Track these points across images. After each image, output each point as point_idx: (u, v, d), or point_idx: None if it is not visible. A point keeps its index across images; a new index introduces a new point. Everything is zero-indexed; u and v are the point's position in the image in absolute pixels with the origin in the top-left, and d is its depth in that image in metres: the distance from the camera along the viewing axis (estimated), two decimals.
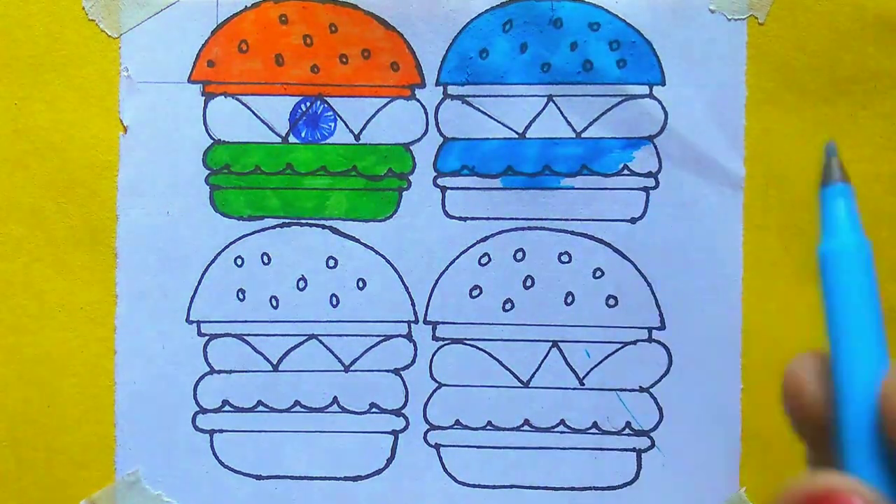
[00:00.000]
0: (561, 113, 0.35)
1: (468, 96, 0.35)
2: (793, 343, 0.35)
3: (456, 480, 0.35)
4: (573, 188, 0.35)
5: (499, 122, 0.35)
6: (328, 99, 0.35)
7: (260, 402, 0.35)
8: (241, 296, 0.35)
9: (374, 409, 0.35)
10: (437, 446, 0.35)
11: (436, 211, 0.35)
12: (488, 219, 0.35)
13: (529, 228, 0.35)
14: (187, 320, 0.35)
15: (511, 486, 0.35)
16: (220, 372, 0.35)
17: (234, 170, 0.35)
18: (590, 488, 0.35)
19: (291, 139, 0.35)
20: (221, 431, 0.35)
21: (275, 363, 0.35)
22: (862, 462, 0.19)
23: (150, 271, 0.35)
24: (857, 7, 0.34)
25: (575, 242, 0.35)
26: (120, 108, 0.35)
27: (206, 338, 0.35)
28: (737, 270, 0.35)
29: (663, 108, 0.35)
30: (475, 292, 0.35)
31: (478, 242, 0.35)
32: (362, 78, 0.35)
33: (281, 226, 0.35)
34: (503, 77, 0.35)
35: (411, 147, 0.35)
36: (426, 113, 0.35)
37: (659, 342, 0.35)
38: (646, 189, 0.35)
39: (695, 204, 0.35)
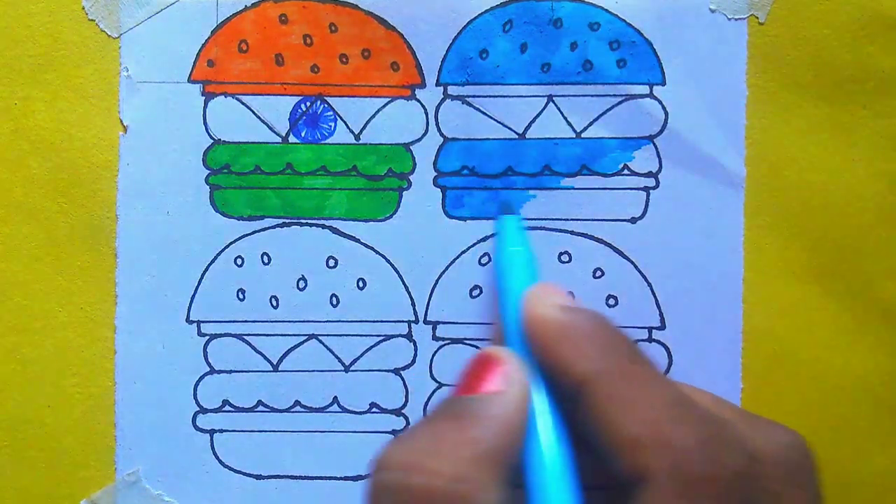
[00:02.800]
0: (561, 113, 0.35)
1: (468, 96, 0.35)
2: (793, 343, 0.35)
3: None
4: (573, 188, 0.35)
5: (499, 122, 0.35)
6: (328, 99, 0.35)
7: (260, 402, 0.35)
8: (241, 296, 0.35)
9: (374, 409, 0.35)
10: None
11: (436, 211, 0.35)
12: (488, 219, 0.35)
13: (529, 228, 0.35)
14: (187, 320, 0.35)
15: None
16: (220, 372, 0.35)
17: (234, 170, 0.35)
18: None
19: (291, 139, 0.35)
20: (221, 431, 0.35)
21: (275, 363, 0.35)
22: (512, 342, 0.29)
23: (150, 271, 0.35)
24: (857, 7, 0.34)
25: (575, 242, 0.35)
26: (120, 108, 0.35)
27: (206, 338, 0.35)
28: (737, 270, 0.35)
29: (663, 107, 0.35)
30: (475, 292, 0.35)
31: (478, 242, 0.35)
32: (362, 78, 0.35)
33: (281, 226, 0.35)
34: (503, 77, 0.35)
35: (411, 147, 0.35)
36: (426, 113, 0.35)
37: (659, 342, 0.35)
38: (646, 189, 0.35)
39: (695, 204, 0.35)
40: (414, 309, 0.35)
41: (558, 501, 0.26)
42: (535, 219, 0.35)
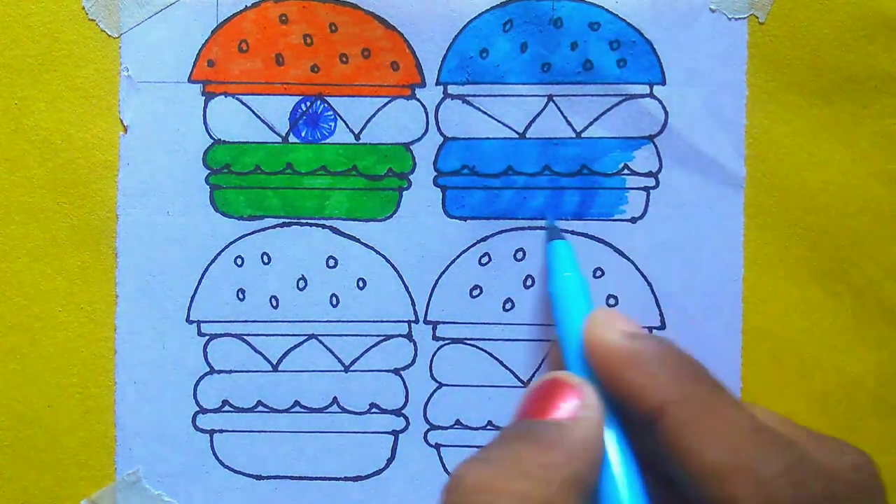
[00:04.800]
0: (561, 113, 0.35)
1: (468, 96, 0.35)
2: (793, 343, 0.35)
3: None
4: (573, 188, 0.35)
5: (499, 121, 0.35)
6: (328, 98, 0.35)
7: (260, 402, 0.35)
8: (241, 296, 0.35)
9: (374, 410, 0.35)
10: (437, 446, 0.35)
11: (436, 211, 0.35)
12: (488, 219, 0.35)
13: (529, 228, 0.35)
14: (187, 320, 0.35)
15: None
16: (220, 372, 0.35)
17: (234, 169, 0.35)
18: None
19: (291, 139, 0.35)
20: (221, 431, 0.35)
21: (275, 363, 0.35)
22: (574, 368, 0.29)
23: (150, 271, 0.35)
24: (857, 7, 0.34)
25: (575, 242, 0.35)
26: (120, 108, 0.35)
27: (206, 338, 0.35)
28: (737, 270, 0.35)
29: (663, 107, 0.35)
30: (475, 292, 0.35)
31: (478, 242, 0.35)
32: (362, 77, 0.35)
33: (281, 226, 0.35)
34: (503, 77, 0.35)
35: (411, 147, 0.35)
36: (426, 113, 0.35)
37: None
38: (646, 189, 0.35)
39: (695, 204, 0.35)
40: (414, 309, 0.35)
41: None
42: (535, 219, 0.35)
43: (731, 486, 0.25)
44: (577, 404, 0.27)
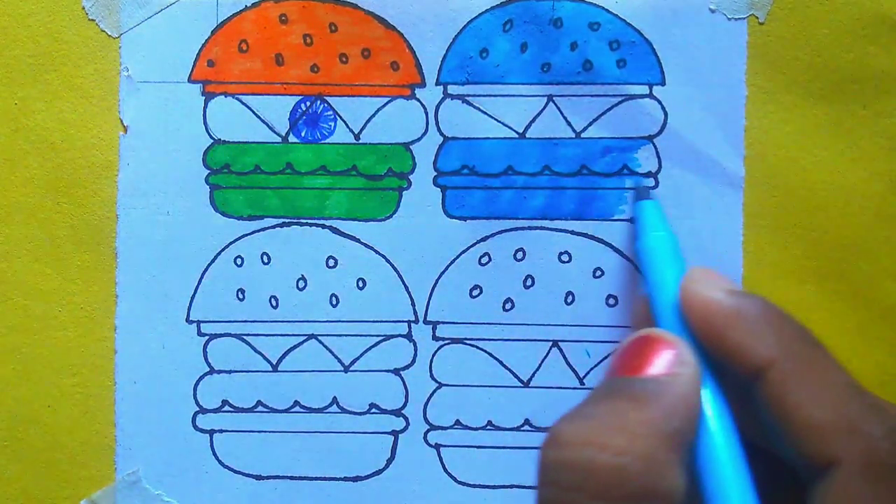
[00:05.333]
0: (561, 113, 0.35)
1: (468, 96, 0.35)
2: None
3: (456, 480, 0.35)
4: (573, 188, 0.35)
5: (499, 121, 0.35)
6: (328, 98, 0.35)
7: (260, 403, 0.35)
8: (240, 296, 0.35)
9: (373, 410, 0.35)
10: (437, 446, 0.35)
11: (436, 211, 0.35)
12: (488, 219, 0.35)
13: (529, 228, 0.35)
14: (187, 320, 0.35)
15: (511, 486, 0.35)
16: (220, 372, 0.35)
17: (234, 169, 0.35)
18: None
19: (291, 139, 0.35)
20: (221, 431, 0.35)
21: (274, 363, 0.35)
22: (668, 327, 0.29)
23: (150, 271, 0.35)
24: (857, 7, 0.34)
25: (575, 242, 0.35)
26: (120, 108, 0.35)
27: (206, 338, 0.35)
28: (737, 270, 0.35)
29: (663, 108, 0.35)
30: (475, 292, 0.35)
31: (478, 242, 0.35)
32: (362, 77, 0.35)
33: (281, 225, 0.35)
34: (503, 77, 0.35)
35: (411, 147, 0.35)
36: (426, 112, 0.35)
37: None
38: (645, 189, 0.35)
39: (695, 204, 0.35)
40: (414, 309, 0.35)
41: (736, 487, 0.26)
42: (535, 219, 0.35)
43: (836, 444, 0.25)
44: (672, 360, 0.27)
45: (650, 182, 0.35)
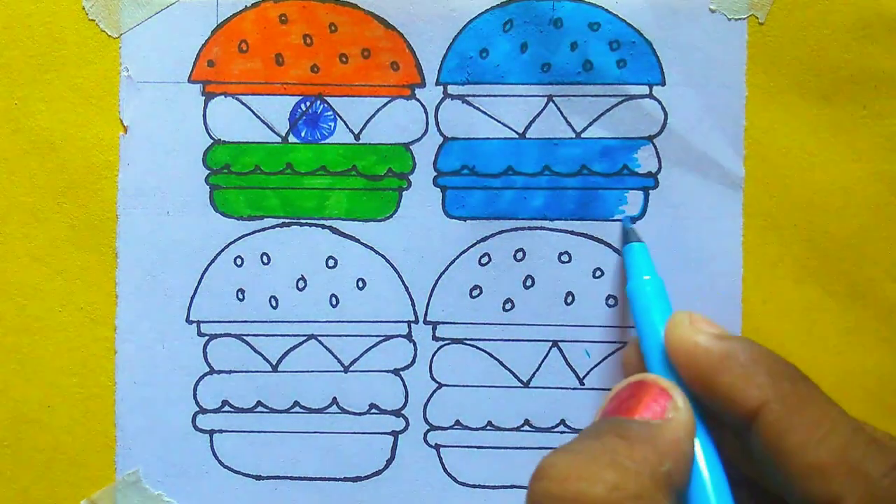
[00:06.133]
0: (561, 113, 0.35)
1: (468, 96, 0.35)
2: (793, 343, 0.35)
3: (456, 481, 0.35)
4: (573, 188, 0.35)
5: (499, 122, 0.35)
6: (328, 99, 0.35)
7: (259, 403, 0.35)
8: (240, 296, 0.35)
9: (373, 410, 0.35)
10: (437, 447, 0.35)
11: (436, 211, 0.35)
12: (488, 219, 0.35)
13: (529, 228, 0.35)
14: (187, 320, 0.35)
15: (511, 486, 0.35)
16: (219, 372, 0.35)
17: (234, 170, 0.35)
18: None
19: (291, 139, 0.35)
20: (221, 431, 0.35)
21: (274, 363, 0.35)
22: (657, 372, 0.29)
23: (150, 271, 0.35)
24: (857, 7, 0.34)
25: (575, 242, 0.35)
26: (120, 108, 0.35)
27: (206, 338, 0.35)
28: (736, 270, 0.35)
29: (663, 108, 0.35)
30: (475, 292, 0.35)
31: (478, 242, 0.35)
32: (362, 77, 0.35)
33: (281, 226, 0.35)
34: (503, 77, 0.35)
35: (411, 147, 0.35)
36: (426, 113, 0.35)
37: None
38: (645, 189, 0.35)
39: (695, 204, 0.35)
40: (414, 309, 0.35)
41: None
42: (535, 219, 0.35)
43: (837, 484, 0.25)
44: (666, 405, 0.27)
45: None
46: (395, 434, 0.35)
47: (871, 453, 0.25)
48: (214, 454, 0.35)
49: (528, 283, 0.35)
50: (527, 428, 0.35)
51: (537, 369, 0.35)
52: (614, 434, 0.26)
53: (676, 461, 0.25)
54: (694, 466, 0.27)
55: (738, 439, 0.28)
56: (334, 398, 0.35)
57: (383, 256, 0.35)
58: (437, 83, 0.35)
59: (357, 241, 0.35)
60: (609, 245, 0.35)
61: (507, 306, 0.35)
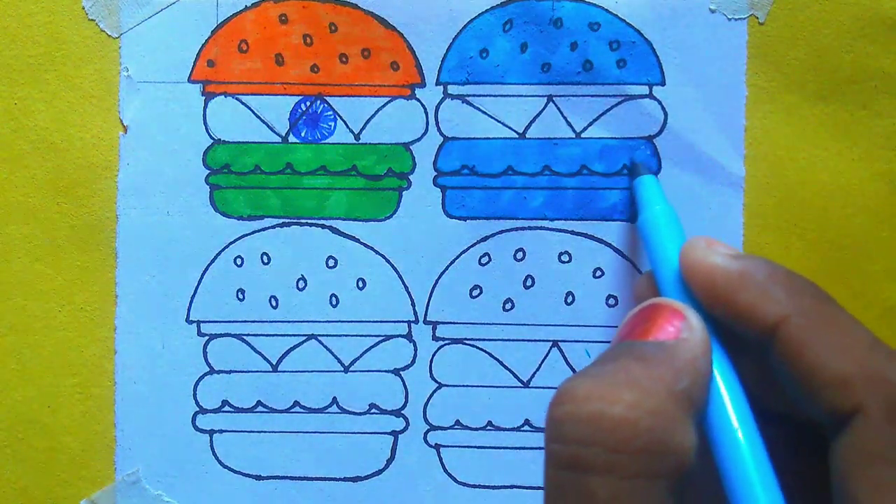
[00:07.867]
0: (561, 113, 0.35)
1: (468, 96, 0.35)
2: None
3: (456, 481, 0.35)
4: (573, 188, 0.35)
5: (499, 121, 0.35)
6: (328, 98, 0.35)
7: (259, 403, 0.35)
8: (240, 296, 0.35)
9: (373, 410, 0.35)
10: (437, 447, 0.35)
11: (436, 211, 0.35)
12: (488, 219, 0.35)
13: (529, 228, 0.35)
14: (187, 320, 0.35)
15: (511, 486, 0.35)
16: (219, 372, 0.35)
17: (234, 169, 0.35)
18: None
19: (291, 139, 0.35)
20: (221, 431, 0.35)
21: (274, 363, 0.35)
22: (674, 295, 0.29)
23: (150, 271, 0.35)
24: (857, 7, 0.34)
25: (575, 242, 0.35)
26: (120, 108, 0.35)
27: (206, 338, 0.35)
28: None
29: (663, 108, 0.35)
30: (475, 292, 0.35)
31: (478, 242, 0.35)
32: (362, 77, 0.35)
33: (281, 226, 0.35)
34: (503, 77, 0.35)
35: (411, 147, 0.35)
36: (426, 112, 0.35)
37: None
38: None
39: (695, 204, 0.35)
40: (414, 309, 0.35)
41: (749, 451, 0.26)
42: (535, 219, 0.35)
43: (858, 393, 0.25)
44: (680, 325, 0.27)
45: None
46: (395, 434, 0.35)
47: (893, 362, 0.25)
48: (214, 454, 0.35)
49: (529, 282, 0.35)
50: (527, 428, 0.35)
51: (537, 369, 0.35)
52: (630, 356, 0.26)
53: (693, 379, 0.26)
54: (712, 386, 0.27)
55: (756, 363, 0.28)
56: (334, 398, 0.35)
57: (383, 256, 0.35)
58: (437, 83, 0.35)
59: (357, 240, 0.35)
60: (609, 245, 0.35)
61: (508, 306, 0.35)
